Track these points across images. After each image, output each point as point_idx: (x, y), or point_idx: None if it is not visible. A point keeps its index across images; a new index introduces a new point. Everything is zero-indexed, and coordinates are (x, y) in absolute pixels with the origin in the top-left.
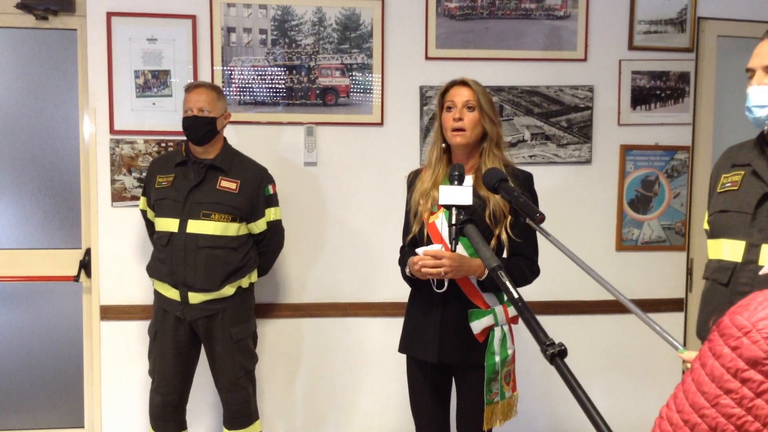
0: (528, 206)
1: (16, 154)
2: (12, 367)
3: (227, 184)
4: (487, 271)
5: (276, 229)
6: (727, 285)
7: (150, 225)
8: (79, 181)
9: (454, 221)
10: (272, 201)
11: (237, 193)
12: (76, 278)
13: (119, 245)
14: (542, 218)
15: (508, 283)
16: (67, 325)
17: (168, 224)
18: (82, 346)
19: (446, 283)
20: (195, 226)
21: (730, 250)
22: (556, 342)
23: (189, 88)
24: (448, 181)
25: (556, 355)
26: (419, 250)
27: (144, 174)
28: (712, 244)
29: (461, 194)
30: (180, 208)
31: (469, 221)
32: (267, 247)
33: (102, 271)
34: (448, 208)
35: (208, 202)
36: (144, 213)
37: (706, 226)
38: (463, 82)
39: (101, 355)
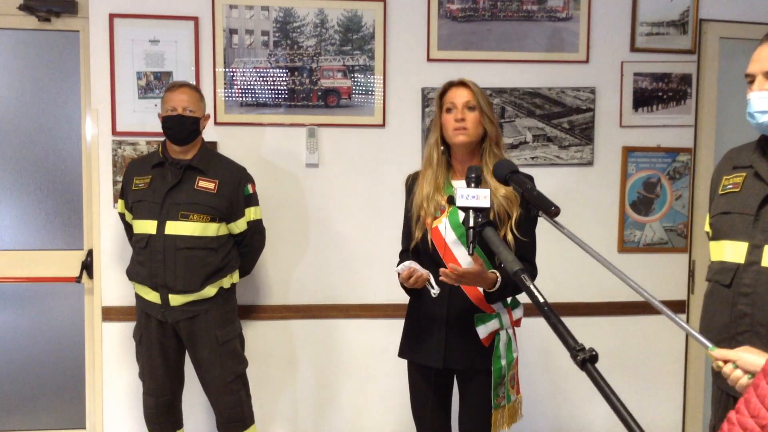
0: (542, 199)
1: (18, 155)
2: (14, 368)
3: (205, 184)
4: (499, 281)
5: (257, 228)
6: (729, 286)
7: (129, 228)
8: (81, 182)
9: (472, 224)
10: (252, 200)
11: (215, 193)
12: (78, 279)
13: (121, 246)
14: (557, 211)
15: (532, 288)
16: (69, 327)
17: (146, 226)
18: (84, 347)
19: (438, 290)
20: (173, 228)
21: (732, 251)
22: (587, 347)
23: (173, 88)
24: (452, 177)
25: (587, 360)
26: (398, 269)
27: None
28: (714, 246)
29: (480, 197)
30: (158, 209)
31: (488, 224)
32: (248, 247)
33: (104, 273)
34: (466, 210)
35: (186, 202)
36: (122, 216)
37: (707, 228)
38: (462, 83)
39: (103, 357)
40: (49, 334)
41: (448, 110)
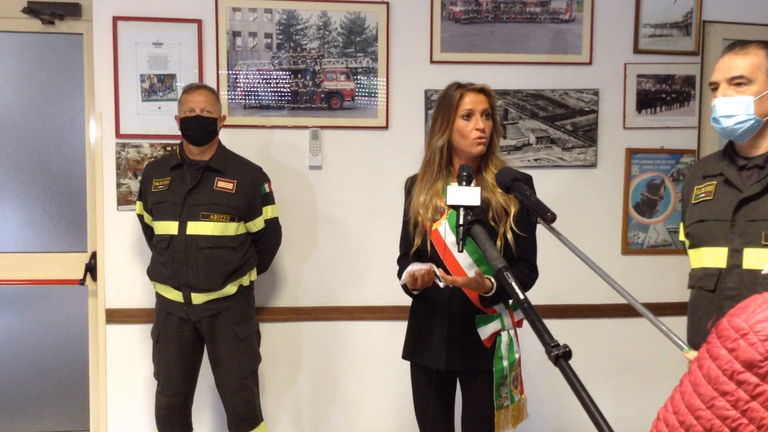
0: (540, 205)
1: (22, 157)
2: (18, 370)
3: (224, 185)
4: (493, 289)
5: (274, 226)
6: (714, 291)
7: (147, 229)
8: (85, 185)
9: (461, 221)
10: (269, 199)
11: (234, 193)
12: (82, 281)
13: (125, 249)
14: (553, 217)
15: (514, 285)
16: (73, 329)
17: (167, 227)
18: (88, 349)
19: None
20: (195, 228)
21: (712, 257)
22: (561, 344)
23: (190, 89)
24: (451, 182)
25: (560, 356)
26: (409, 269)
27: None
28: (693, 253)
29: (469, 195)
30: (178, 210)
31: (476, 221)
32: (265, 244)
33: (108, 275)
34: (456, 208)
35: (206, 203)
36: (141, 217)
37: (682, 237)
38: (483, 90)
39: (107, 358)
40: (53, 337)
41: (466, 116)
